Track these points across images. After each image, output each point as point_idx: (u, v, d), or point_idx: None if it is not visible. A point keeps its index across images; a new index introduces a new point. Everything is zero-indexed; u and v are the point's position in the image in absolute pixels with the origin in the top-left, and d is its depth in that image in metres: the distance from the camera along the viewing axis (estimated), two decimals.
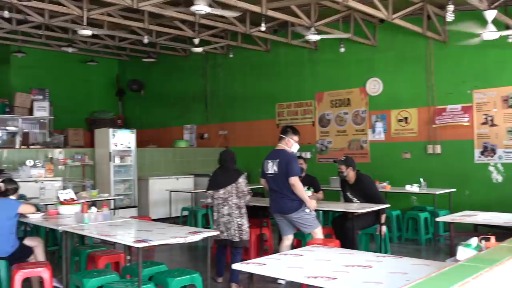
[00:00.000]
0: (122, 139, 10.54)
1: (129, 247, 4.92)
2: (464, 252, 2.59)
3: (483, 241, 2.71)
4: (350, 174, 6.71)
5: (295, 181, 5.45)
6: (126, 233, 4.85)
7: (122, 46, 12.86)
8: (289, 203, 5.57)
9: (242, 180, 5.77)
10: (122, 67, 15.64)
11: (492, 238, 2.74)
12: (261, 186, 6.21)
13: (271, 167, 5.66)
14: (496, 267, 1.92)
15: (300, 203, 5.57)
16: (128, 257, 5.38)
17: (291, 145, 5.70)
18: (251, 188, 5.94)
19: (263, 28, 8.57)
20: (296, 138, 5.74)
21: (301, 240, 6.30)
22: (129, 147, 10.64)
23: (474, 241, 2.70)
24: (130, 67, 15.31)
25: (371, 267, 3.12)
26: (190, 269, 4.87)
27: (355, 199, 6.71)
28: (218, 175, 5.92)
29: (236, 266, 3.29)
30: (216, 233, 4.76)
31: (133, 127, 11.74)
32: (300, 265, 3.22)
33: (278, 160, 5.60)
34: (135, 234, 4.78)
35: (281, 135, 5.76)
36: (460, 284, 1.66)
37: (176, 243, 4.30)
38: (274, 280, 5.45)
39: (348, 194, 6.80)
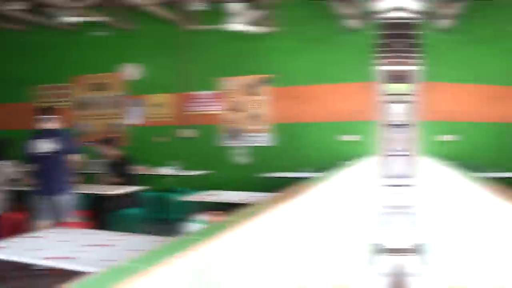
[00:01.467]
0: None
1: None
2: (192, 227, 2.90)
3: (210, 217, 3.07)
4: (110, 153, 7.21)
5: (78, 158, 5.61)
6: None
7: None
8: (60, 185, 5.47)
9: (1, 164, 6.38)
10: None
11: (219, 214, 3.12)
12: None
13: (46, 146, 5.43)
14: (212, 239, 2.17)
15: (70, 186, 5.56)
16: None
17: (59, 124, 5.67)
18: None
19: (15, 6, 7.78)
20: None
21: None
22: None
23: (201, 217, 3.05)
24: None
25: (112, 245, 3.23)
26: None
27: (109, 176, 7.17)
28: None
29: None
30: None
31: None
32: (40, 247, 3.15)
33: (58, 138, 5.46)
34: None
35: (49, 116, 5.59)
36: (177, 255, 1.83)
37: None
38: None
39: (108, 171, 7.25)
